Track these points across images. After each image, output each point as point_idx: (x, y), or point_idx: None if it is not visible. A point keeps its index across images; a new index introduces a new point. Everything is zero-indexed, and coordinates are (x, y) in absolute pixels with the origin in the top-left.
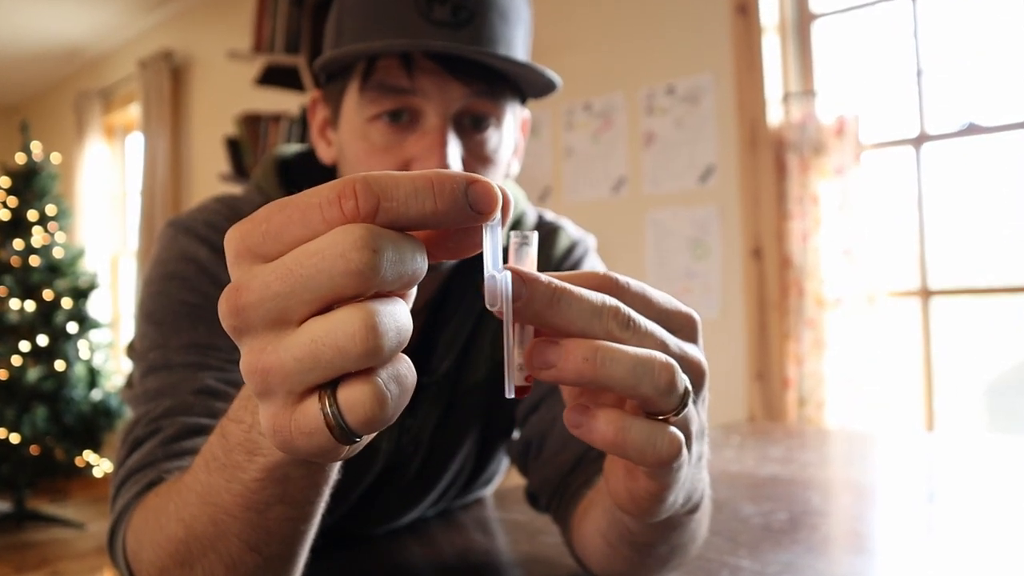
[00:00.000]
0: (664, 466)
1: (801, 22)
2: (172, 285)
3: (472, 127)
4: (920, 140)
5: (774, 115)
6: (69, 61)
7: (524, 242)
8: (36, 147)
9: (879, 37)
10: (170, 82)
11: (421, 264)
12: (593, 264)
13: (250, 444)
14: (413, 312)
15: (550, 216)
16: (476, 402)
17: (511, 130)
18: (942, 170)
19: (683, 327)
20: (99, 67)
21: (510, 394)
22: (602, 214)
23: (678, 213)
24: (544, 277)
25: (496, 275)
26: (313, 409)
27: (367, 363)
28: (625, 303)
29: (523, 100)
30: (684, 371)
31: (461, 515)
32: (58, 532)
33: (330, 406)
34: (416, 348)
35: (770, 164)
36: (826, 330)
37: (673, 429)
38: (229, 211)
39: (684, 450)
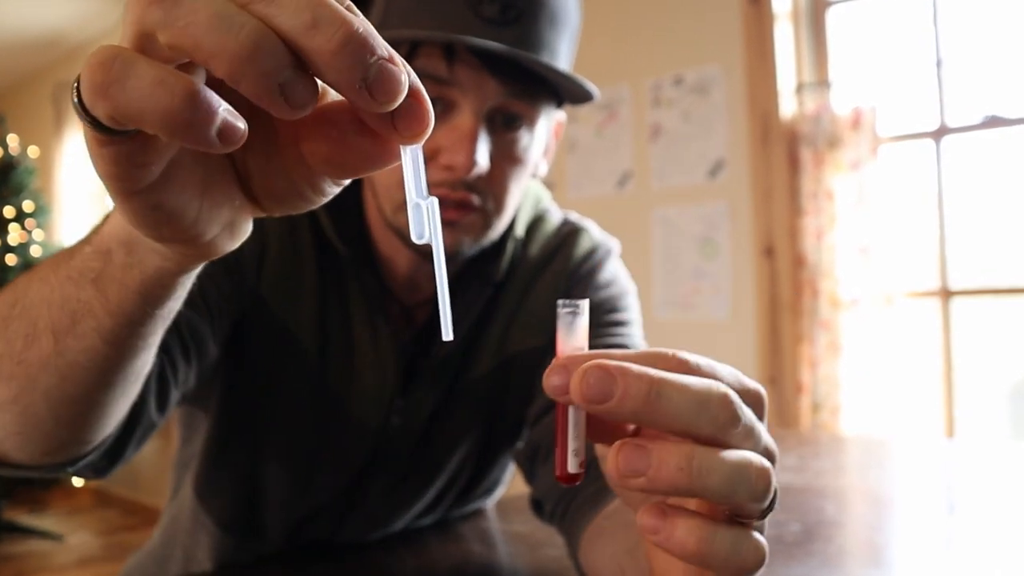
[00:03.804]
0: None
1: (815, 9)
2: None
3: (504, 126)
4: (940, 133)
5: (787, 107)
6: (47, 51)
7: (575, 311)
8: (13, 140)
9: (897, 25)
10: None
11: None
12: (614, 271)
13: (110, 211)
14: (421, 301)
15: (574, 217)
16: (478, 397)
17: (543, 132)
18: (963, 164)
19: (751, 405)
20: (79, 57)
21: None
22: (607, 211)
23: (686, 210)
24: (636, 368)
25: (421, 203)
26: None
27: (133, 10)
28: None
29: (559, 104)
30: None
31: (459, 525)
32: (36, 544)
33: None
34: (420, 336)
35: (783, 158)
36: (841, 332)
37: (758, 536)
38: None
39: (766, 557)
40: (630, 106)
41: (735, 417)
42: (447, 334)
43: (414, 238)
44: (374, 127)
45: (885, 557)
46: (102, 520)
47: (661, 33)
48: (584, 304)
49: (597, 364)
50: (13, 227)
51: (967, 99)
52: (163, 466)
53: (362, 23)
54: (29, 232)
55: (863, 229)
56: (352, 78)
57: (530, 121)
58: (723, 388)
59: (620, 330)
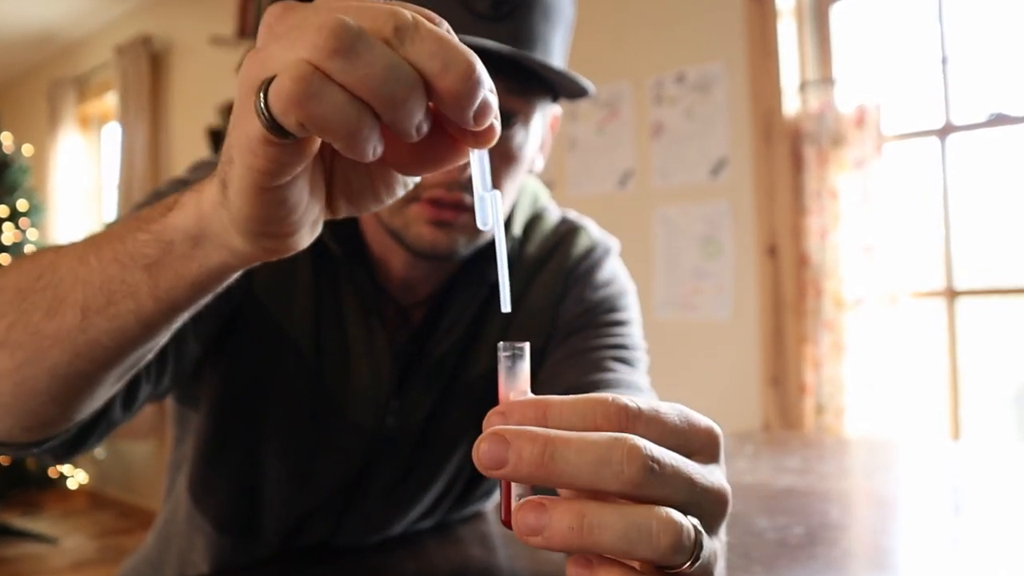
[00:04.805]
0: None
1: (818, 6)
2: (179, 186)
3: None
4: (945, 131)
5: (790, 105)
6: (42, 47)
7: (516, 354)
8: (7, 138)
9: (902, 22)
10: (149, 69)
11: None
12: (613, 269)
13: (172, 203)
14: (417, 301)
15: (573, 215)
16: (476, 398)
17: (538, 128)
18: (968, 162)
19: (704, 447)
20: (74, 53)
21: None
22: (607, 209)
23: (688, 209)
24: (531, 431)
25: (486, 195)
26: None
27: (313, 54)
28: (639, 434)
29: (555, 98)
30: (707, 502)
31: (458, 528)
32: (30, 547)
33: (262, 91)
34: (417, 335)
35: (786, 156)
36: (845, 332)
37: None
38: None
39: None
40: (631, 104)
41: (645, 469)
42: (506, 307)
43: (479, 225)
44: (452, 132)
45: (890, 560)
46: (97, 523)
47: (663, 30)
48: (525, 347)
49: (492, 432)
50: (7, 226)
51: (972, 97)
52: (158, 468)
53: (477, 61)
54: (23, 231)
55: (867, 228)
56: (468, 111)
57: (525, 117)
58: (632, 441)
59: (619, 330)
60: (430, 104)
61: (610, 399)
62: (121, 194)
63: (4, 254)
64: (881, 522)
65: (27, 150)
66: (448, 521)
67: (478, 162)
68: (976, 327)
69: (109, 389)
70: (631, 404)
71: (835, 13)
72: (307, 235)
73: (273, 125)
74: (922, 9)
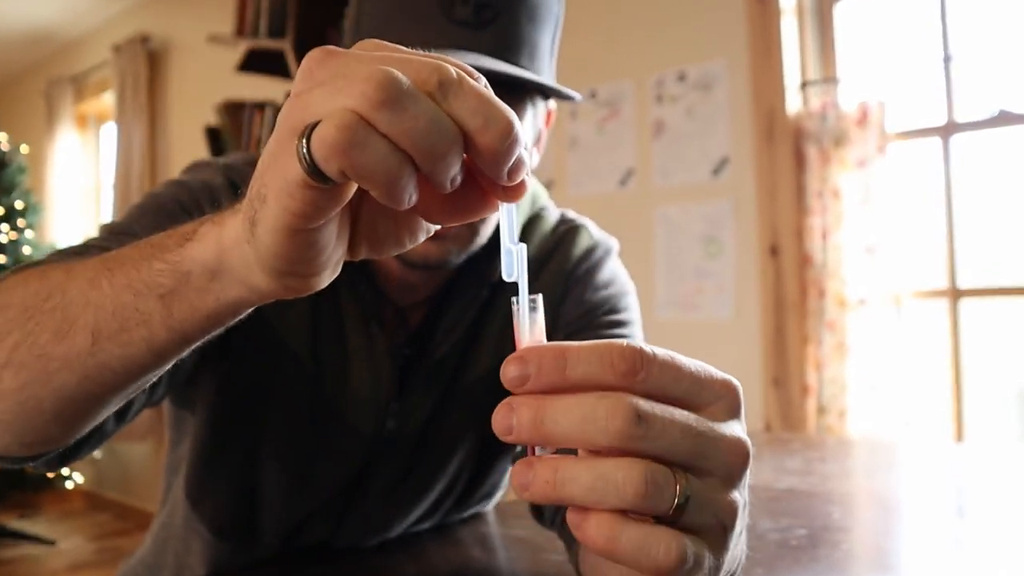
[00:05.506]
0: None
1: (821, 4)
2: (175, 188)
3: None
4: (949, 129)
5: (792, 103)
6: (39, 46)
7: (531, 307)
8: (3, 138)
9: (905, 19)
10: (146, 68)
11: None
12: (613, 270)
13: (190, 234)
14: (416, 303)
15: (572, 215)
16: (476, 399)
17: (529, 127)
18: (972, 161)
19: (721, 397)
20: (71, 52)
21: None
22: (608, 209)
23: (689, 208)
24: (529, 398)
25: (512, 248)
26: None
27: (360, 104)
28: (652, 377)
29: (546, 96)
30: (718, 454)
31: (458, 529)
32: (27, 549)
33: (305, 136)
34: (416, 336)
35: (788, 156)
36: (848, 333)
37: (674, 534)
38: (252, 160)
39: (687, 557)
40: (632, 102)
41: (629, 421)
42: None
43: (504, 277)
44: (484, 184)
45: (893, 562)
46: (94, 524)
47: (664, 28)
48: (538, 299)
49: (504, 402)
50: (4, 226)
51: (976, 95)
52: (156, 469)
53: (515, 119)
54: (20, 231)
55: (870, 228)
56: (504, 167)
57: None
58: (618, 396)
59: (619, 331)
60: (464, 156)
61: (625, 343)
62: (118, 194)
63: (1, 254)
64: (884, 524)
65: (24, 149)
66: (448, 523)
67: (507, 215)
68: (980, 327)
69: (111, 409)
70: (647, 352)
71: (837, 11)
72: (328, 276)
73: (314, 170)
74: (925, 7)
